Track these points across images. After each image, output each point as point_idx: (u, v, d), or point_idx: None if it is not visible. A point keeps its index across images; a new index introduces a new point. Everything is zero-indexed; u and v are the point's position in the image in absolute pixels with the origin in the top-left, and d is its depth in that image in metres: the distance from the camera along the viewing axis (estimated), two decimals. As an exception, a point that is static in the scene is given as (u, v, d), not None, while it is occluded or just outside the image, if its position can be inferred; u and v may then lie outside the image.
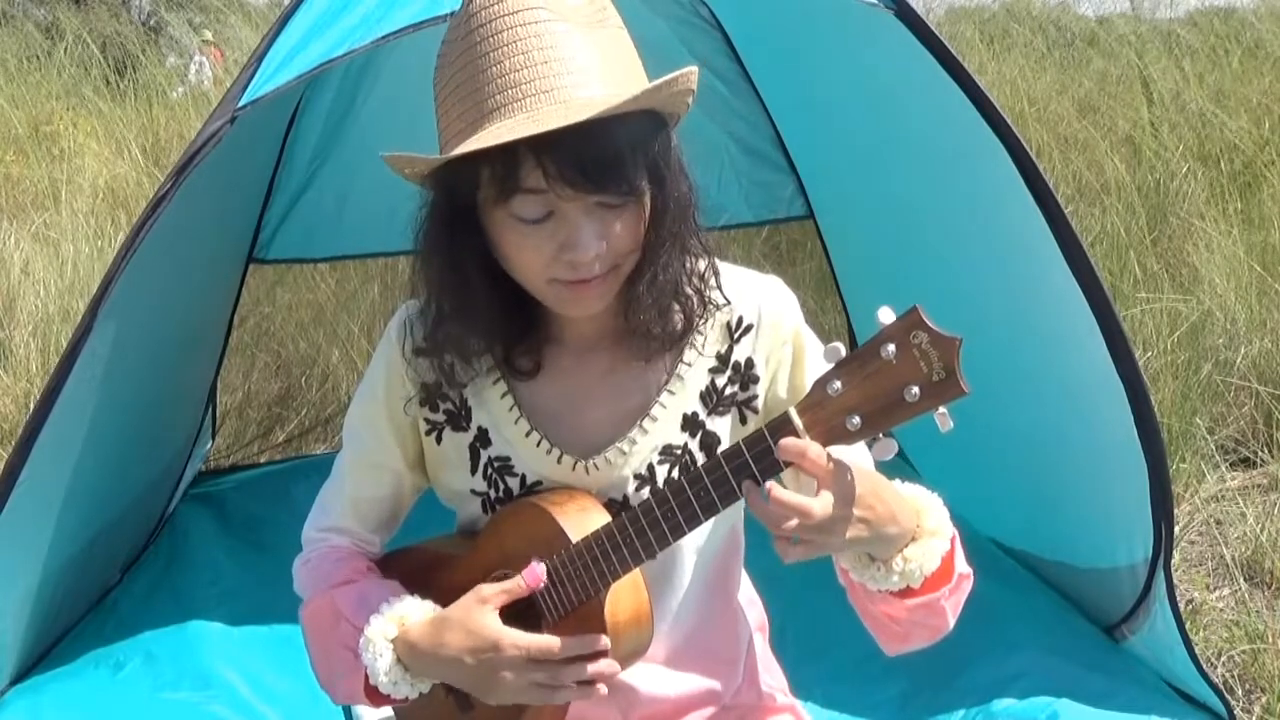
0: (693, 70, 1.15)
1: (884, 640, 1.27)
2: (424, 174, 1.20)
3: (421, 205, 1.23)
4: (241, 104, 1.92)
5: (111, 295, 1.99)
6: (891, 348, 1.04)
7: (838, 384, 1.07)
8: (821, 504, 1.08)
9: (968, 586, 1.24)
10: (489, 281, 1.21)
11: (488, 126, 1.10)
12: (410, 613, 1.27)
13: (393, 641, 1.26)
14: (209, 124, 1.94)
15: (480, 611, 1.23)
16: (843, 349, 1.07)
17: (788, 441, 1.08)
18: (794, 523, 1.08)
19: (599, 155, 1.10)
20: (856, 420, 1.07)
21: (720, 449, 1.31)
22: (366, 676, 1.27)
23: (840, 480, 1.09)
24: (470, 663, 1.22)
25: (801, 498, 1.08)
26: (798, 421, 1.10)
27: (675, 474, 1.30)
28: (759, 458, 1.11)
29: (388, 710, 1.46)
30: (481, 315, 1.24)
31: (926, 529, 1.19)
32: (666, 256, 1.21)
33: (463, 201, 1.18)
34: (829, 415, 1.08)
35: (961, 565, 1.22)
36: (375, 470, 1.38)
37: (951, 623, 1.24)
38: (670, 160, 1.19)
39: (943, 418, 1.05)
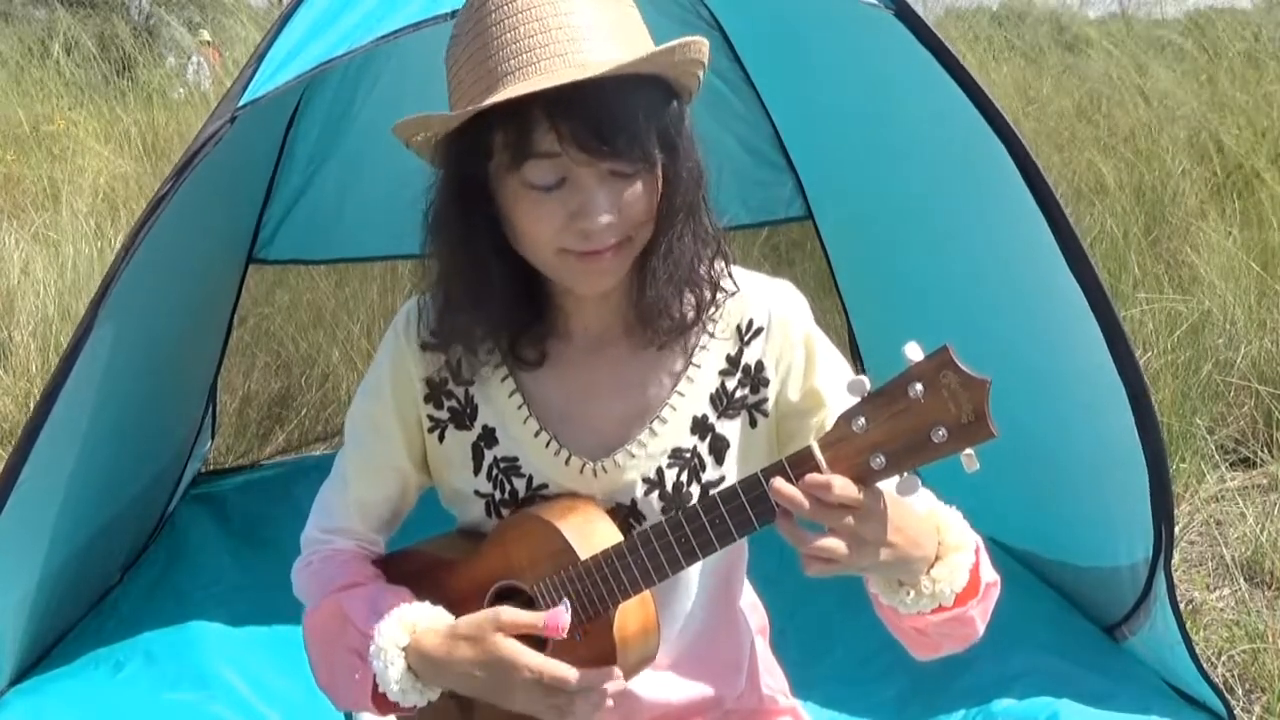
0: (703, 40, 1.15)
1: (915, 650, 1.26)
2: (435, 141, 1.19)
3: (431, 184, 1.22)
4: (241, 104, 1.92)
5: (112, 295, 1.98)
6: (919, 387, 1.02)
7: (862, 420, 1.05)
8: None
9: (995, 593, 1.23)
10: (499, 260, 1.21)
11: (501, 90, 1.10)
12: (421, 619, 1.25)
13: (404, 649, 1.24)
14: (209, 124, 1.94)
15: (495, 633, 1.21)
16: (867, 383, 1.05)
17: (812, 478, 1.06)
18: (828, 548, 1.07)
19: (612, 119, 1.10)
20: (881, 459, 1.05)
21: (730, 453, 1.30)
22: (375, 683, 1.26)
23: (876, 507, 1.08)
24: (482, 676, 1.21)
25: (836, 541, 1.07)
26: (820, 457, 1.08)
27: (684, 478, 1.29)
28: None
29: (391, 717, 1.45)
30: (489, 299, 1.23)
31: (950, 545, 1.17)
32: (680, 229, 1.21)
33: (474, 171, 1.17)
34: (853, 452, 1.06)
35: (988, 574, 1.21)
36: (379, 469, 1.37)
37: (982, 629, 1.23)
38: (683, 132, 1.19)
39: (969, 459, 1.03)
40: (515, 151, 1.12)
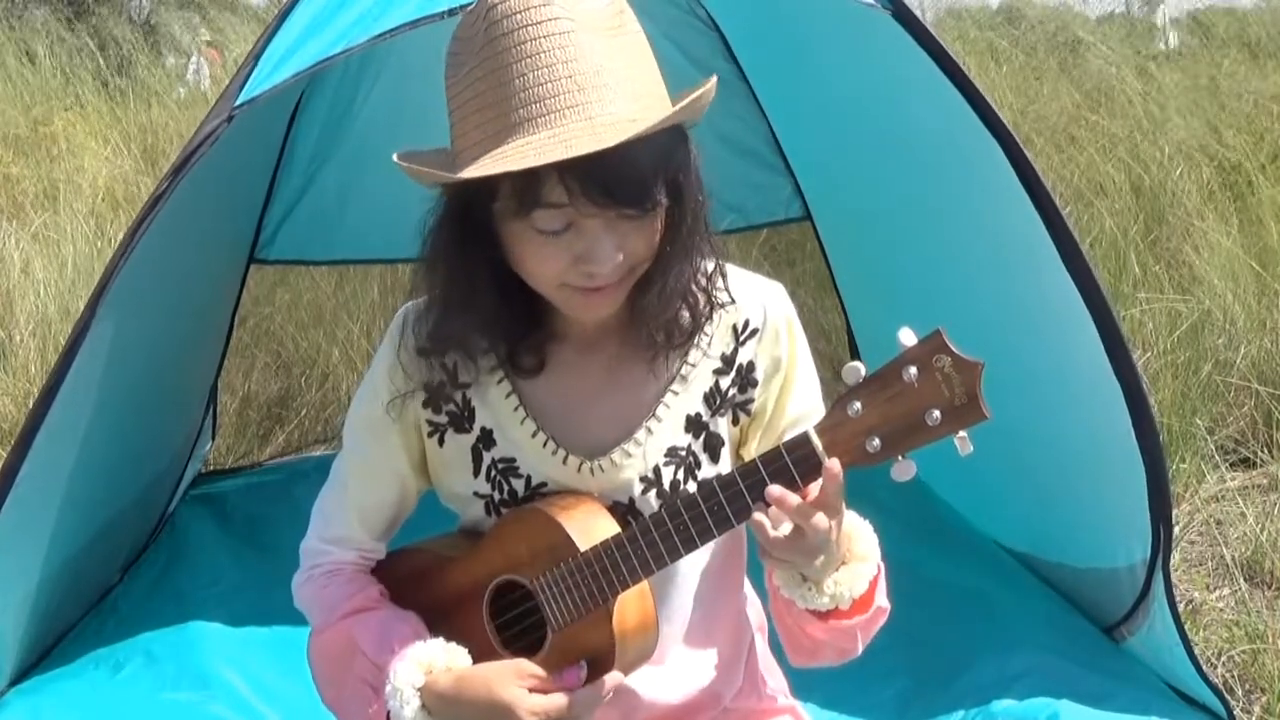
0: (713, 81, 1.15)
1: (792, 652, 1.33)
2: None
3: (431, 210, 1.22)
4: (239, 102, 1.91)
5: (110, 292, 1.98)
6: (913, 370, 1.04)
7: (858, 405, 1.07)
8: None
9: (882, 620, 1.28)
10: (496, 283, 1.21)
11: (510, 141, 1.09)
12: (436, 659, 1.26)
13: (420, 690, 1.24)
14: (206, 122, 1.94)
15: (508, 681, 1.22)
16: (862, 369, 1.08)
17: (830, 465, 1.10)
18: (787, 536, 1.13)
19: (622, 173, 1.10)
20: (876, 442, 1.07)
21: (724, 450, 1.32)
22: (388, 715, 1.26)
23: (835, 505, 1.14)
24: (484, 718, 1.23)
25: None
26: (817, 442, 1.10)
27: (680, 475, 1.30)
28: (775, 475, 1.12)
29: None
30: (486, 313, 1.23)
31: (856, 554, 1.24)
32: (679, 266, 1.22)
33: (478, 210, 1.17)
34: (849, 436, 1.09)
35: (881, 598, 1.27)
36: (378, 474, 1.37)
37: (860, 649, 1.28)
38: (689, 172, 1.19)
39: (963, 441, 1.06)
40: (523, 200, 1.12)
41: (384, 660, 1.26)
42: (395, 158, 1.17)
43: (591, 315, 1.22)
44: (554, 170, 1.09)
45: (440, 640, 1.28)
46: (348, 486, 1.39)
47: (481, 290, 1.22)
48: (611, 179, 1.09)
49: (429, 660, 1.26)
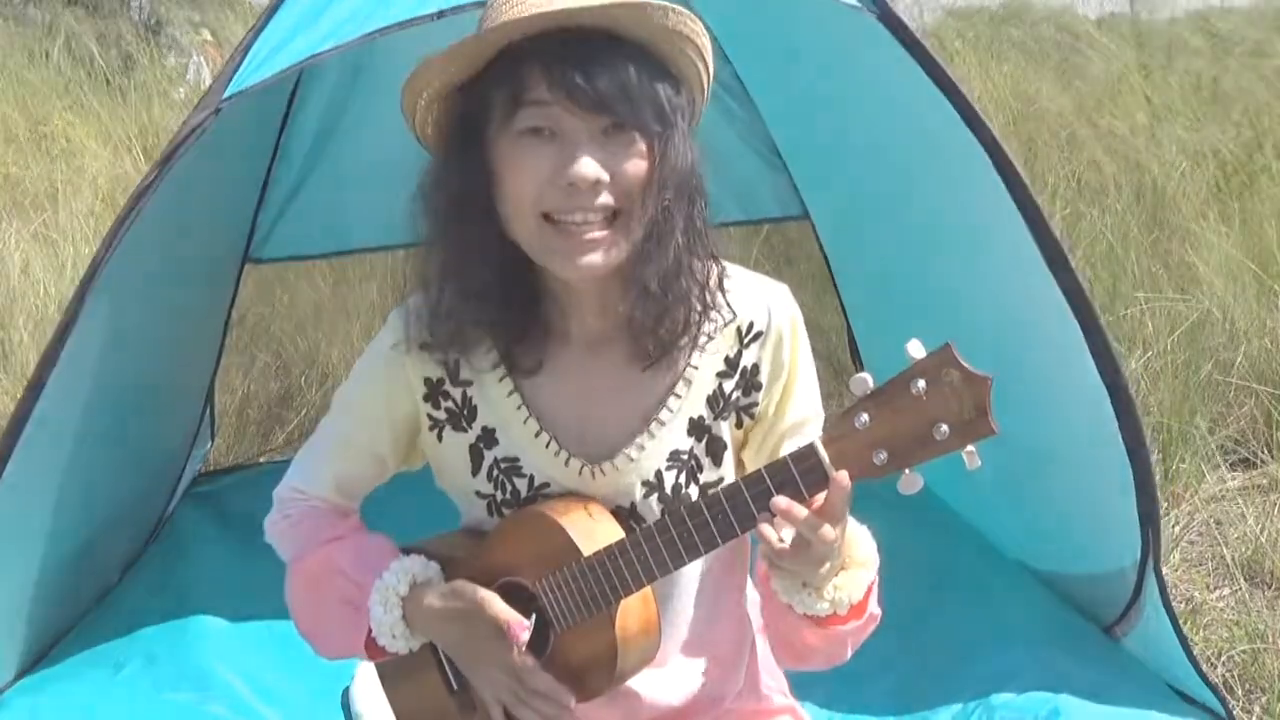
0: (695, 19, 1.17)
1: (780, 655, 1.34)
2: (436, 111, 1.22)
3: (424, 170, 1.24)
4: (226, 95, 1.91)
5: (98, 284, 1.97)
6: (922, 384, 1.04)
7: (865, 417, 1.07)
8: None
9: (873, 627, 1.28)
10: (491, 241, 1.21)
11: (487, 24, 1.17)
12: (418, 571, 1.31)
13: (403, 599, 1.29)
14: (194, 115, 1.93)
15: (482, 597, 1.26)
16: (871, 381, 1.07)
17: (839, 478, 1.10)
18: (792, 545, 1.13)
19: (603, 69, 1.13)
20: (884, 455, 1.07)
21: (727, 454, 1.32)
22: (369, 630, 1.30)
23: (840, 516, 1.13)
24: (459, 633, 1.27)
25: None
26: (824, 454, 1.09)
27: (682, 479, 1.30)
28: (781, 486, 1.12)
29: (388, 714, 1.46)
30: (483, 296, 1.23)
31: (855, 560, 1.23)
32: (675, 215, 1.20)
33: (471, 134, 1.19)
34: (856, 448, 1.08)
35: (874, 606, 1.27)
36: (358, 450, 1.38)
37: (849, 656, 1.29)
38: (679, 115, 1.19)
39: (970, 456, 1.05)
40: (510, 102, 1.15)
41: (364, 579, 1.30)
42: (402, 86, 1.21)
43: (580, 264, 1.18)
44: (539, 67, 1.13)
45: (420, 557, 1.32)
46: (328, 455, 1.41)
47: (476, 243, 1.22)
48: (593, 75, 1.12)
49: (412, 571, 1.30)
